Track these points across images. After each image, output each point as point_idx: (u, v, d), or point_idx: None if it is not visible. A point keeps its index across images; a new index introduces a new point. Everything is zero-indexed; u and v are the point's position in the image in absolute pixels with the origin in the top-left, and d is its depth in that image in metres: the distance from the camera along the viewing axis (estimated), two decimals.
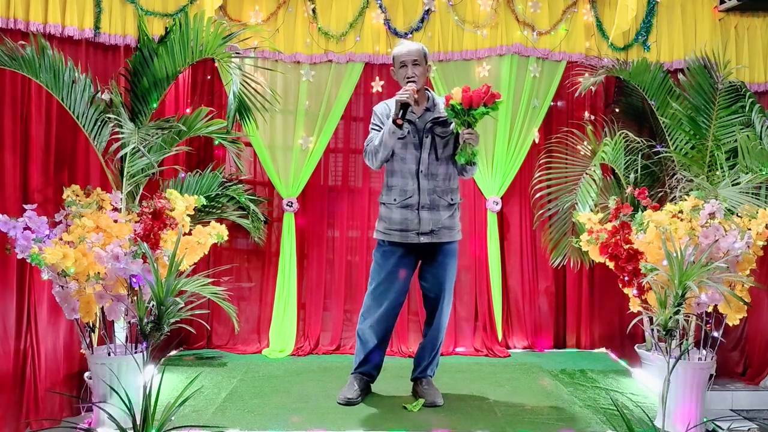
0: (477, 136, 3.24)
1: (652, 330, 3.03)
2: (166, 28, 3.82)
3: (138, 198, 3.75)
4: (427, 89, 3.44)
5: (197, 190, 4.13)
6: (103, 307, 3.06)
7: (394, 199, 3.35)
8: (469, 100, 3.14)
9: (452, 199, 3.39)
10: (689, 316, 3.20)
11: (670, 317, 2.83)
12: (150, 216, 3.26)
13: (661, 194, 4.31)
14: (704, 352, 3.23)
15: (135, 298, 2.92)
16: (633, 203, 3.83)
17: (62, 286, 3.04)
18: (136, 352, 3.12)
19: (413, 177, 3.32)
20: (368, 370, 3.53)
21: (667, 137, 4.34)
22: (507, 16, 4.60)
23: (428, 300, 3.49)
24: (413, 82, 3.27)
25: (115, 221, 3.22)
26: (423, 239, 3.33)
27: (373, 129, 3.42)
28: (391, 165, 3.38)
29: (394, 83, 4.61)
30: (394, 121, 3.17)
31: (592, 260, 4.13)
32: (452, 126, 3.30)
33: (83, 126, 3.65)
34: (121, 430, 2.66)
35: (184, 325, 2.90)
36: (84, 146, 3.89)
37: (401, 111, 3.18)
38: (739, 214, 3.50)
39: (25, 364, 3.62)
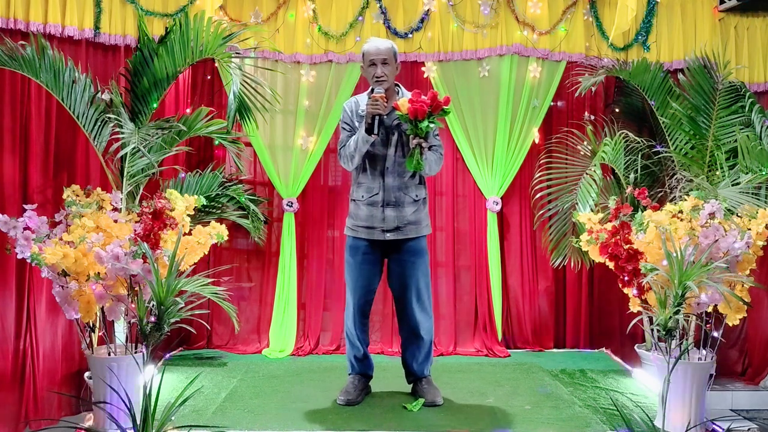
0: (427, 145, 3.17)
1: (652, 330, 3.02)
2: (166, 28, 3.82)
3: (138, 198, 3.76)
4: (397, 86, 3.40)
5: (197, 190, 4.13)
6: (103, 307, 3.06)
7: (362, 196, 3.34)
8: (413, 112, 3.07)
9: (417, 195, 3.36)
10: (689, 316, 3.20)
11: (670, 317, 2.83)
12: (150, 216, 3.26)
13: (661, 194, 4.31)
14: (704, 352, 3.23)
15: (135, 298, 2.92)
16: (633, 203, 3.83)
17: (62, 286, 3.05)
18: (136, 352, 3.12)
19: (379, 174, 3.31)
20: (364, 369, 3.53)
21: (667, 137, 4.33)
22: (507, 16, 4.60)
23: (396, 300, 3.47)
24: (382, 82, 3.23)
25: (115, 221, 3.22)
26: (389, 236, 3.31)
27: (343, 128, 3.39)
28: (360, 162, 3.35)
29: None
30: (368, 131, 3.16)
31: (592, 260, 4.13)
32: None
33: (83, 126, 3.66)
34: (121, 430, 2.66)
35: (184, 325, 2.90)
36: (84, 146, 3.89)
37: (375, 122, 3.14)
38: (739, 214, 3.50)
39: (24, 364, 3.62)
